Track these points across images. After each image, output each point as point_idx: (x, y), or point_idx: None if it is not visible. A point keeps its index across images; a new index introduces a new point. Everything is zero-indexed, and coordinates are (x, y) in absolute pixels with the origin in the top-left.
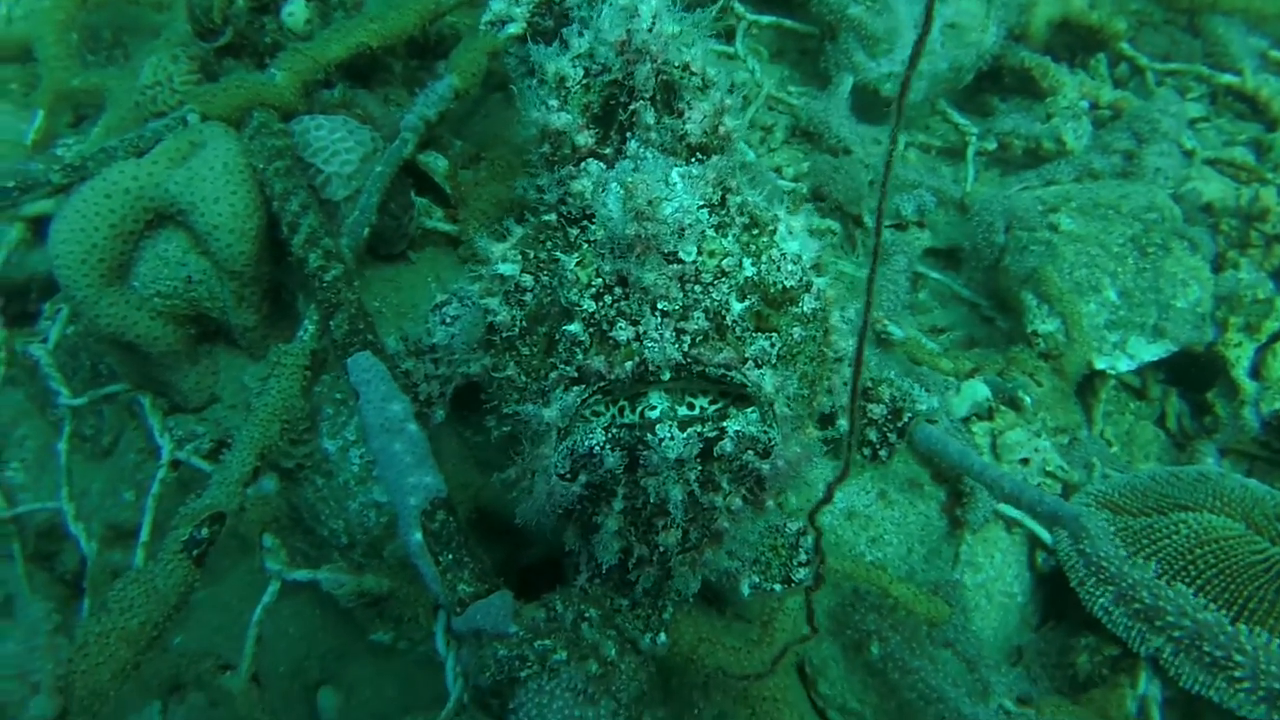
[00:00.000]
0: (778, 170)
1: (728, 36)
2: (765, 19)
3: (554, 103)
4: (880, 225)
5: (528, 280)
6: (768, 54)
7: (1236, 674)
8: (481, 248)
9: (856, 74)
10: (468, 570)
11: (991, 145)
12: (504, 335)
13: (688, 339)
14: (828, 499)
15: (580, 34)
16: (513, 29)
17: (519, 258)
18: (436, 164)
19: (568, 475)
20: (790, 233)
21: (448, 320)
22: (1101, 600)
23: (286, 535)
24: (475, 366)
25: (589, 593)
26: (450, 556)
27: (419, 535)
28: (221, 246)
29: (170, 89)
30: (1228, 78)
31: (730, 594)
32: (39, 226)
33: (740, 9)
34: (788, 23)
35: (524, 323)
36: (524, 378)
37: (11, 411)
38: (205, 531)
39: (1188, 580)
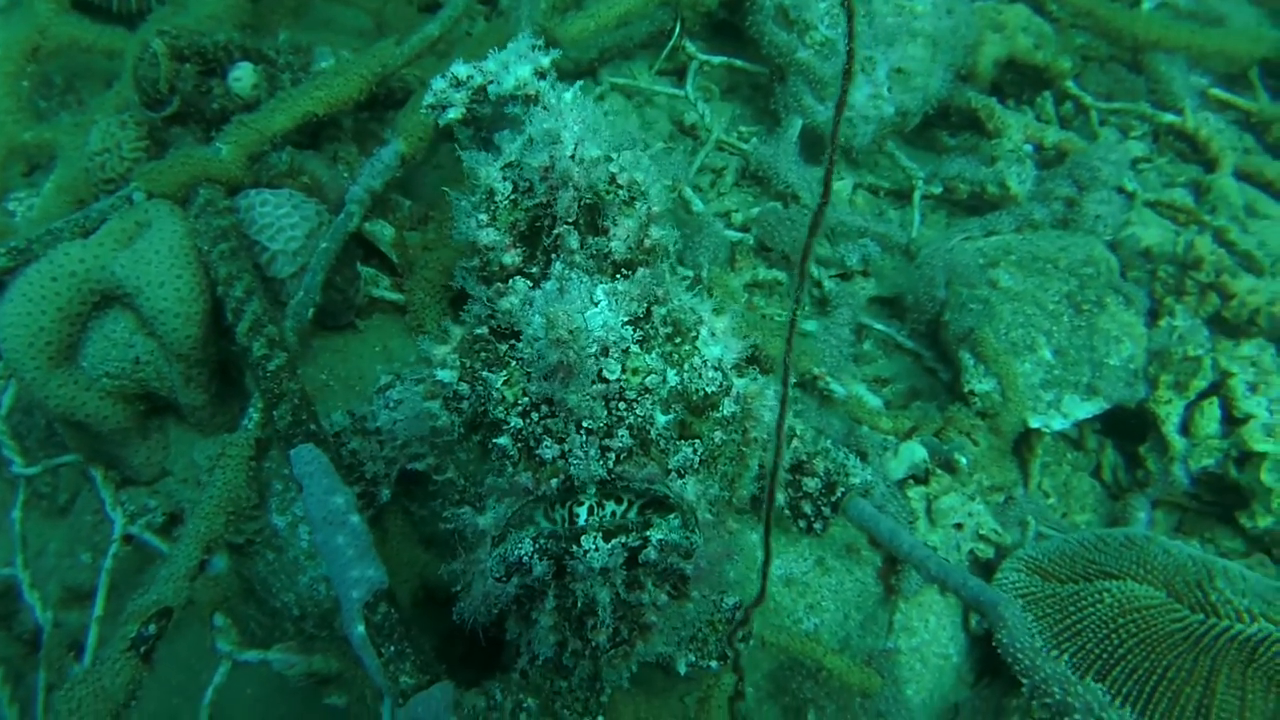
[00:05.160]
0: (727, 215)
1: (679, 75)
2: (716, 59)
3: (483, 218)
4: (787, 376)
5: (464, 389)
6: (719, 90)
7: None
8: (424, 349)
9: (805, 116)
10: (409, 661)
11: (937, 189)
12: (444, 439)
13: (612, 456)
14: (745, 621)
15: (513, 139)
16: (452, 114)
17: (457, 364)
18: (383, 233)
19: (501, 578)
20: (713, 335)
21: (391, 405)
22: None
23: (239, 606)
24: (421, 465)
25: (529, 677)
26: (392, 649)
27: (361, 628)
28: (168, 330)
29: (119, 156)
30: (1169, 117)
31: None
32: None
33: (692, 48)
34: (739, 63)
35: (461, 429)
36: (462, 480)
37: None
38: (152, 628)
39: (1110, 649)
